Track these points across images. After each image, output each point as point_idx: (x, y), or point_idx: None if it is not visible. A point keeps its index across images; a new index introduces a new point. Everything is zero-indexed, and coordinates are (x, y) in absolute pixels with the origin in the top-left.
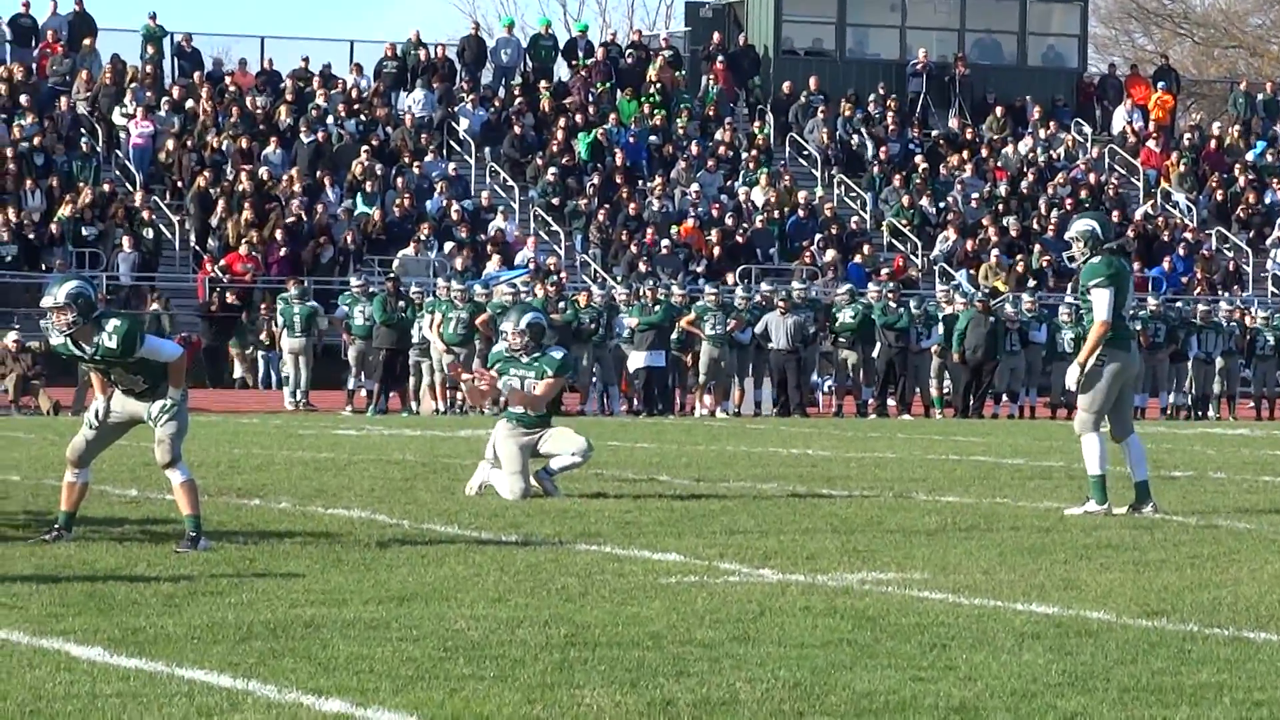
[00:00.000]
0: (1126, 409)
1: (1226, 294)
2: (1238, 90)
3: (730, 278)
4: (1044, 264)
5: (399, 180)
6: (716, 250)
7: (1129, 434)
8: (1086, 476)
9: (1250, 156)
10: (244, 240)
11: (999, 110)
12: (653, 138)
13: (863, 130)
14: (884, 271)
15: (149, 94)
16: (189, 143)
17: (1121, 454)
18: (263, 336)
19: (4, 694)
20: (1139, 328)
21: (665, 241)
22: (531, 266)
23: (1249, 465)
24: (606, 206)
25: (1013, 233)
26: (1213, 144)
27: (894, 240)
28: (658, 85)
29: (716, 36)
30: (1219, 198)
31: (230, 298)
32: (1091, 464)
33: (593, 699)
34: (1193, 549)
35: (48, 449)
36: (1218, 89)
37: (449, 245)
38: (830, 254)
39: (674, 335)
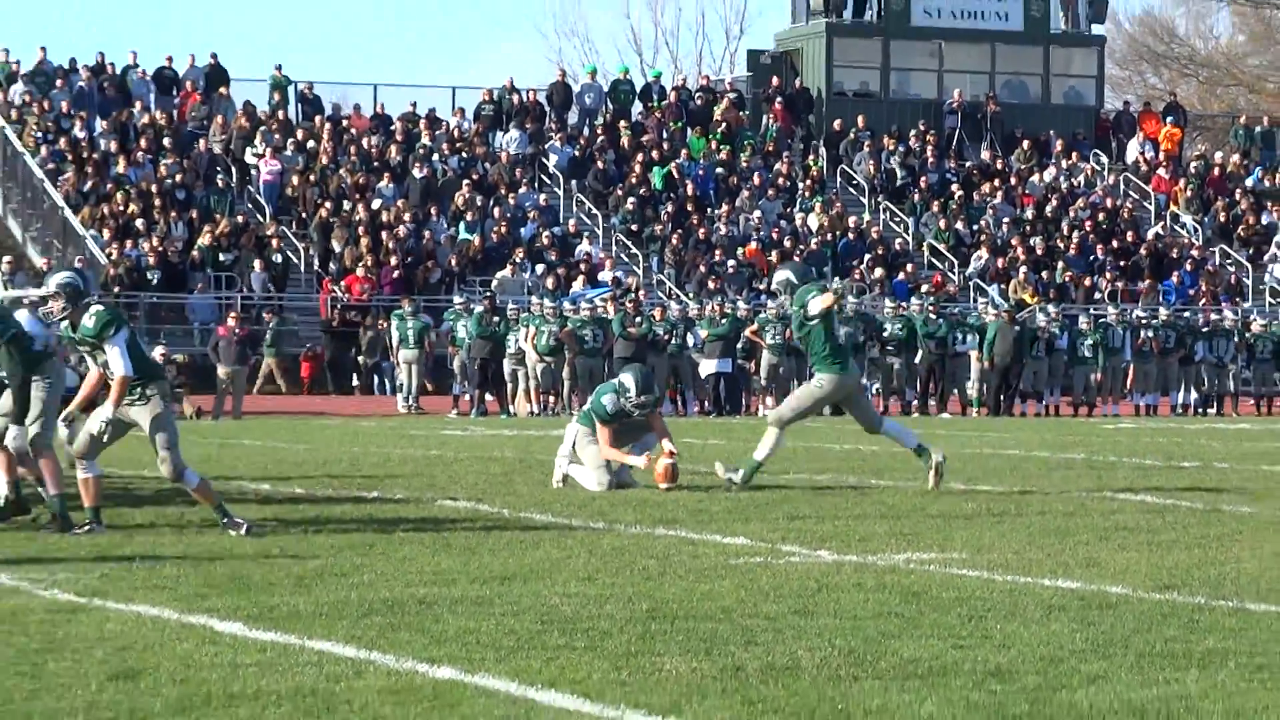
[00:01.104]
0: (866, 409)
1: (1229, 304)
2: (1238, 124)
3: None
4: (1066, 279)
5: (496, 210)
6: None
7: (880, 425)
8: (750, 457)
9: (1249, 182)
10: (360, 264)
11: (1026, 143)
12: (719, 170)
13: (905, 162)
14: (924, 287)
15: (276, 136)
16: (312, 178)
17: (889, 440)
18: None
19: (157, 664)
20: (1151, 335)
21: (731, 262)
22: (613, 285)
23: (1249, 456)
24: (679, 231)
25: (1038, 252)
26: (1216, 171)
27: (933, 259)
28: (723, 124)
29: (775, 80)
30: (1222, 219)
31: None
32: (761, 452)
33: (672, 666)
34: (1200, 530)
35: (190, 449)
36: (1220, 122)
37: (540, 267)
38: (877, 272)
39: (739, 345)
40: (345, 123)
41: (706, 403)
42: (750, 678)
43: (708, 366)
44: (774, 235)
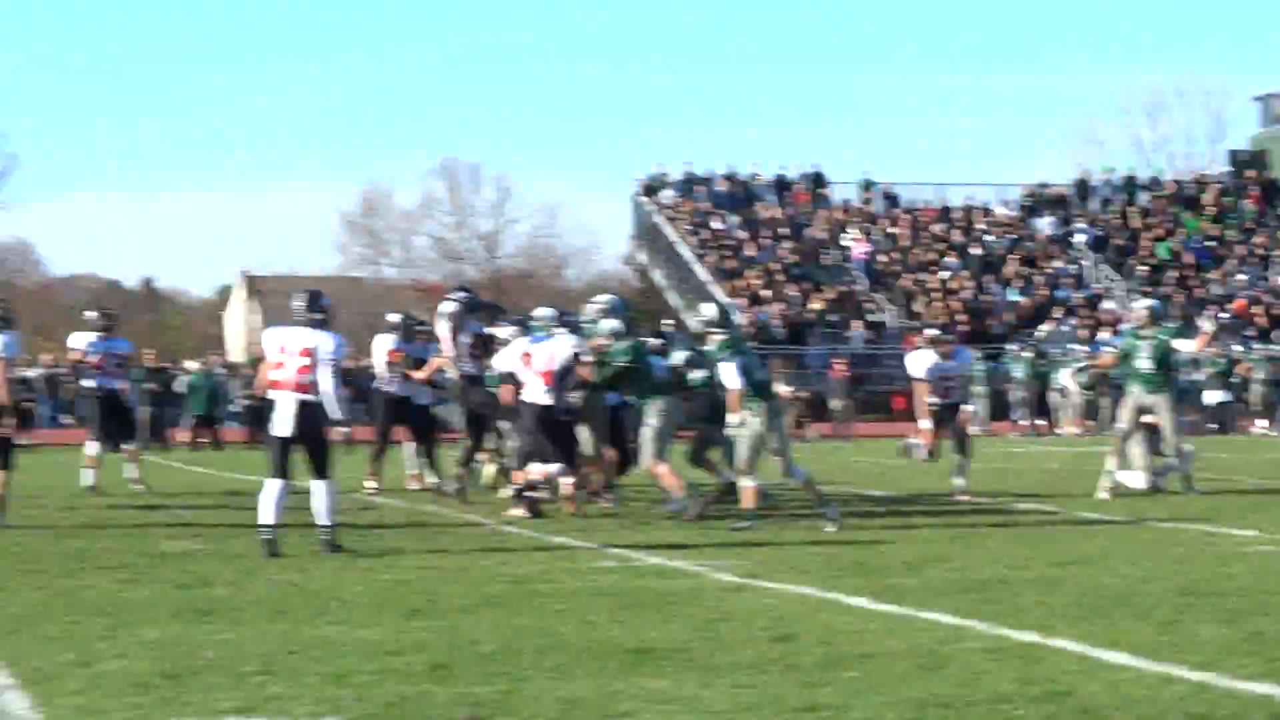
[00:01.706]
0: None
1: None
2: None
3: None
4: None
5: (1038, 277)
6: (1261, 319)
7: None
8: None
9: None
10: (936, 321)
11: None
12: (1210, 243)
13: None
14: None
15: (866, 223)
16: (895, 255)
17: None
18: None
19: (806, 629)
20: None
21: (1223, 315)
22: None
23: None
24: (1183, 292)
25: None
26: None
27: None
28: (1212, 207)
29: (1251, 172)
30: None
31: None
32: (1185, 467)
33: (1205, 633)
34: None
35: (814, 462)
36: None
37: (1074, 320)
38: None
39: (1232, 378)
40: (918, 213)
41: (1208, 424)
42: (1269, 641)
43: (1210, 396)
44: (1255, 292)
